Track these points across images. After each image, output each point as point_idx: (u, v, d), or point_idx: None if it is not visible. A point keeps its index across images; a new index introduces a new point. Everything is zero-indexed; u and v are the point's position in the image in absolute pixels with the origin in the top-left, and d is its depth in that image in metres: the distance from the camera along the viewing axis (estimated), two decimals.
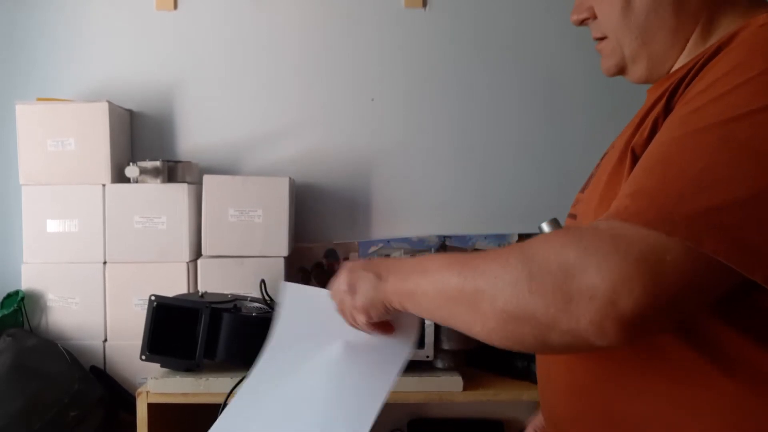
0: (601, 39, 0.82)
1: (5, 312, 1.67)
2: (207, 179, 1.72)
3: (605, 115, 1.89)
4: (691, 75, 0.67)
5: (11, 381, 1.48)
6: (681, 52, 0.75)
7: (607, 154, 0.82)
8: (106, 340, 1.72)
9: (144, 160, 1.73)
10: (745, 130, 0.54)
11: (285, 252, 1.72)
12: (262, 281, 1.57)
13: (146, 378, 1.39)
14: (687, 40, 0.75)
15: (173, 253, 1.71)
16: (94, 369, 1.68)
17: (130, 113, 1.95)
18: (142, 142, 1.96)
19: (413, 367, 1.38)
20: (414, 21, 1.96)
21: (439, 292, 0.66)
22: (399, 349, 0.83)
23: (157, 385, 1.36)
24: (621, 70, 0.82)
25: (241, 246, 1.70)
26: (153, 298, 1.41)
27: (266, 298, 1.55)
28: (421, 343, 1.36)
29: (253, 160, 1.95)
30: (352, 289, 0.76)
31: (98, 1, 1.96)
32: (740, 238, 0.52)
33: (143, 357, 1.40)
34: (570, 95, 1.95)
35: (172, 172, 1.75)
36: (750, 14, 0.70)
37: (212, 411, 1.35)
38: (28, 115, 1.74)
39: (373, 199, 1.96)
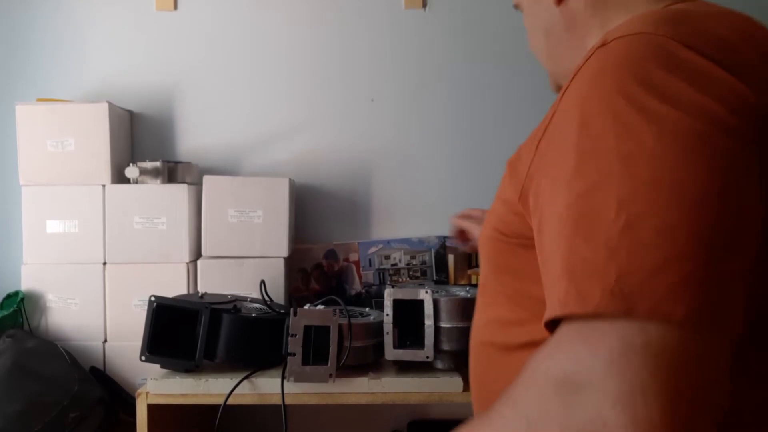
0: None
1: (5, 313, 1.67)
2: (207, 180, 1.72)
3: None
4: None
5: (11, 382, 1.48)
6: None
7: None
8: (105, 340, 1.72)
9: (144, 160, 1.73)
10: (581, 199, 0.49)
11: (285, 253, 1.72)
12: (262, 282, 1.57)
13: (146, 379, 1.39)
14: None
15: (173, 254, 1.71)
16: (93, 370, 1.68)
17: (130, 114, 1.95)
18: (142, 143, 1.96)
19: (413, 367, 1.38)
20: (414, 22, 1.96)
21: None
22: None
23: (157, 385, 1.36)
24: (558, 88, 0.81)
25: (241, 247, 1.70)
26: (153, 298, 1.41)
27: (266, 298, 1.55)
28: (421, 344, 1.35)
29: (253, 161, 1.95)
30: None
31: (98, 1, 1.96)
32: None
33: (143, 358, 1.39)
34: None
35: (172, 172, 1.75)
36: (640, 11, 0.66)
37: (212, 412, 1.35)
38: (28, 116, 1.74)
39: (373, 199, 1.96)
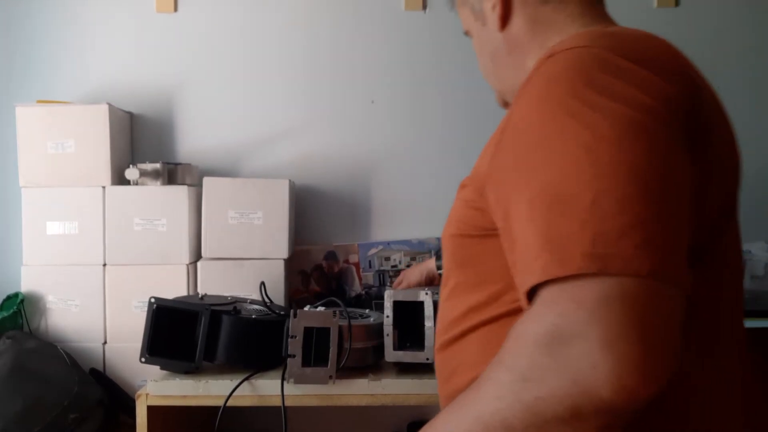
0: None
1: (5, 314, 1.67)
2: (207, 181, 1.72)
3: None
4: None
5: (11, 383, 1.48)
6: None
7: None
8: (105, 342, 1.72)
9: (144, 162, 1.73)
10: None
11: (285, 254, 1.72)
12: (262, 283, 1.57)
13: (146, 380, 1.39)
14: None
15: (173, 256, 1.71)
16: (93, 371, 1.68)
17: (130, 115, 1.95)
18: (142, 145, 1.96)
19: (413, 369, 1.38)
20: (414, 23, 1.96)
21: None
22: None
23: (157, 387, 1.36)
24: (505, 104, 0.92)
25: (241, 248, 1.70)
26: (153, 300, 1.41)
27: (266, 300, 1.55)
28: (421, 346, 1.35)
29: (253, 163, 1.95)
30: None
31: (98, 3, 1.96)
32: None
33: (143, 359, 1.39)
34: None
35: (172, 174, 1.75)
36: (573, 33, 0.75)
37: (212, 413, 1.35)
38: (28, 118, 1.74)
39: (373, 201, 1.96)
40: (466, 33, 0.92)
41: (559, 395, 0.51)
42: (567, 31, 0.77)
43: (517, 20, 0.82)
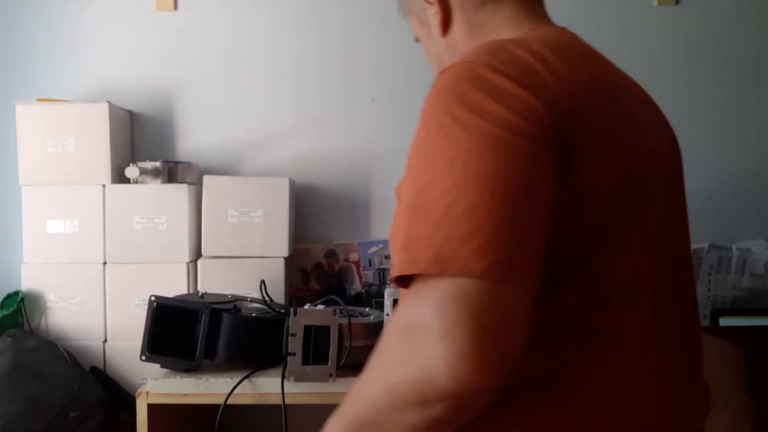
0: None
1: (5, 312, 1.67)
2: (207, 180, 1.72)
3: None
4: None
5: (11, 382, 1.48)
6: None
7: None
8: (106, 340, 1.72)
9: (144, 160, 1.73)
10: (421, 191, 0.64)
11: (285, 252, 1.72)
12: (262, 282, 1.57)
13: (146, 378, 1.39)
14: None
15: (173, 254, 1.71)
16: (93, 369, 1.68)
17: (130, 114, 1.95)
18: (142, 143, 1.95)
19: None
20: None
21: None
22: None
23: (157, 385, 1.36)
24: None
25: (241, 246, 1.70)
26: (153, 298, 1.41)
27: (266, 298, 1.55)
28: None
29: (253, 161, 1.95)
30: None
31: (98, 1, 1.96)
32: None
33: (143, 357, 1.40)
34: None
35: (172, 172, 1.75)
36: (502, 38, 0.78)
37: (212, 412, 1.35)
38: (28, 116, 1.74)
39: (373, 199, 1.96)
40: (417, 40, 0.96)
41: (410, 381, 0.58)
42: (500, 35, 0.80)
43: (457, 26, 0.86)
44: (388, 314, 1.37)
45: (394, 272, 0.63)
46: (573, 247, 0.68)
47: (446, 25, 0.86)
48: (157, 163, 1.72)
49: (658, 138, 0.81)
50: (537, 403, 0.68)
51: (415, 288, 0.60)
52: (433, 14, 0.87)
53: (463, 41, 0.85)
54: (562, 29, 0.83)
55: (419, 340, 0.58)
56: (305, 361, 1.32)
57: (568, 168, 0.65)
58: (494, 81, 0.66)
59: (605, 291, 0.70)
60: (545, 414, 0.68)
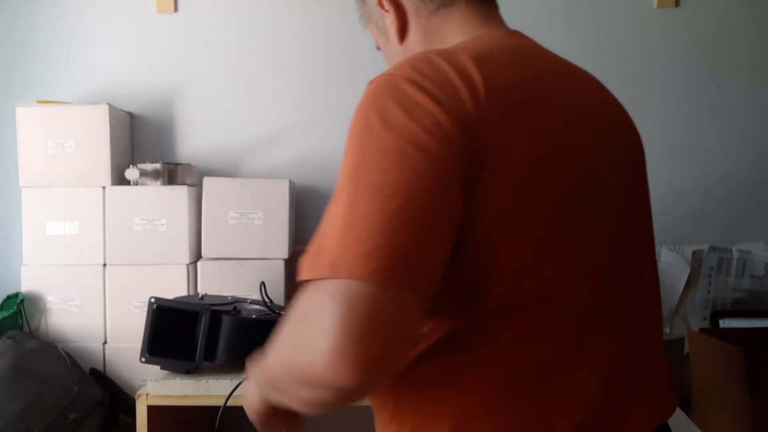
0: None
1: (5, 314, 1.67)
2: (207, 181, 1.72)
3: None
4: None
5: (11, 383, 1.48)
6: None
7: None
8: (105, 342, 1.72)
9: (144, 162, 1.74)
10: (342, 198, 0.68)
11: (285, 254, 1.72)
12: (262, 284, 1.57)
13: (146, 380, 1.39)
14: None
15: (173, 256, 1.71)
16: (93, 371, 1.68)
17: (130, 116, 1.95)
18: (142, 145, 1.96)
19: None
20: None
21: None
22: None
23: (157, 387, 1.36)
24: None
25: (241, 248, 1.70)
26: (153, 300, 1.41)
27: (266, 300, 1.55)
28: None
29: (253, 163, 1.95)
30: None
31: (99, 3, 1.96)
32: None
33: (143, 359, 1.40)
34: None
35: (172, 174, 1.75)
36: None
37: (212, 413, 1.35)
38: (28, 118, 1.74)
39: None
40: (378, 48, 0.97)
41: (300, 365, 0.64)
42: (452, 40, 0.82)
43: (413, 33, 0.87)
44: None
45: (301, 276, 0.67)
46: (482, 261, 0.70)
47: (402, 32, 0.88)
48: (157, 165, 1.72)
49: (604, 137, 0.79)
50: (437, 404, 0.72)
51: (312, 286, 0.64)
52: (390, 22, 0.88)
53: (418, 48, 0.86)
54: (510, 33, 0.84)
55: (310, 331, 0.63)
56: None
57: (477, 178, 0.67)
58: (408, 94, 0.68)
59: (517, 297, 0.70)
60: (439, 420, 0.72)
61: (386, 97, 0.69)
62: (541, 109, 0.74)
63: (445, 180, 0.66)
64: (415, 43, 0.87)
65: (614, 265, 0.77)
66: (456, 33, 0.84)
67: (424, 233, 0.64)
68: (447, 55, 0.73)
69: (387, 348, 0.61)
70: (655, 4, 1.94)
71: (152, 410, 1.36)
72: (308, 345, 0.62)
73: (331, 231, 0.65)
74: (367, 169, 0.66)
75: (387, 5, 0.87)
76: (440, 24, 0.86)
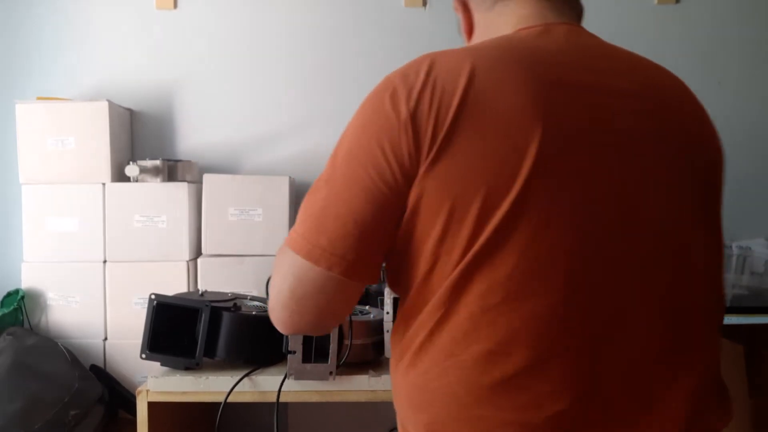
0: None
1: (5, 311, 1.67)
2: (207, 178, 1.72)
3: None
4: None
5: (11, 380, 1.48)
6: None
7: None
8: (106, 338, 1.72)
9: (144, 159, 1.73)
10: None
11: None
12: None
13: (146, 377, 1.39)
14: None
15: (173, 252, 1.71)
16: (94, 368, 1.68)
17: (130, 112, 1.95)
18: (142, 141, 1.96)
19: None
20: (414, 20, 1.96)
21: None
22: None
23: (157, 383, 1.36)
24: None
25: (242, 245, 1.71)
26: (153, 296, 1.41)
27: (267, 296, 1.55)
28: None
29: (254, 159, 1.95)
30: None
31: (98, 0, 1.96)
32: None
33: (143, 356, 1.40)
34: None
35: (172, 171, 1.75)
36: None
37: (212, 410, 1.35)
38: (28, 114, 1.74)
39: None
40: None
41: (272, 297, 0.83)
42: (500, 35, 0.84)
43: (477, 29, 0.90)
44: (388, 312, 1.37)
45: (286, 241, 0.82)
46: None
47: (470, 31, 0.92)
48: (157, 162, 1.72)
49: (625, 126, 0.77)
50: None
51: (291, 244, 0.80)
52: (460, 22, 0.92)
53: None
54: (549, 29, 0.81)
55: (276, 277, 0.83)
56: (305, 359, 1.32)
57: (436, 161, 0.73)
58: (387, 97, 0.78)
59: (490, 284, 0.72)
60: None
61: (377, 94, 0.82)
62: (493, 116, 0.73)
63: (390, 206, 0.77)
64: (479, 39, 0.88)
65: (603, 270, 0.72)
66: (504, 28, 0.85)
67: (366, 219, 0.77)
68: (449, 55, 0.79)
69: (312, 312, 0.80)
70: (655, 1, 1.94)
71: (153, 406, 1.36)
72: (276, 284, 0.82)
73: (303, 208, 0.83)
74: (331, 161, 0.85)
75: (456, 5, 0.92)
76: (495, 18, 0.87)
